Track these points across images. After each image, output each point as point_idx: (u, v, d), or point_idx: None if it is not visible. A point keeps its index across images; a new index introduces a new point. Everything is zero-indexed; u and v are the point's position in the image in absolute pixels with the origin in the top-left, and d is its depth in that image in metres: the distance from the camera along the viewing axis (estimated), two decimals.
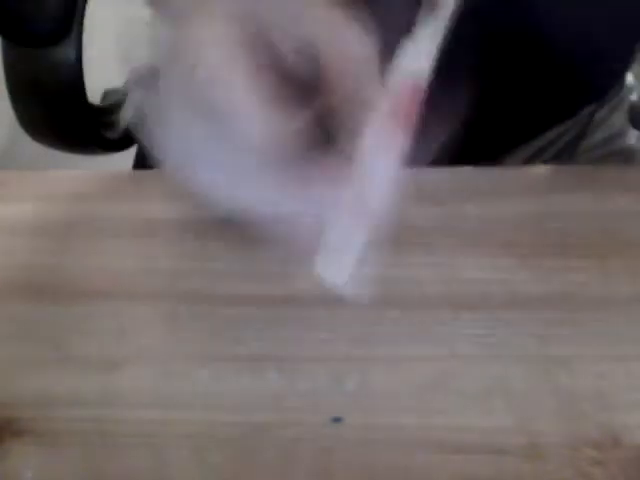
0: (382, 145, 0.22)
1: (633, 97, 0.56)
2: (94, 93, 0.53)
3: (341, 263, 0.22)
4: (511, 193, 0.34)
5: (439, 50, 0.22)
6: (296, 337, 0.29)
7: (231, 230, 0.32)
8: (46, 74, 0.50)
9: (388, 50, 0.23)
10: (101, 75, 0.56)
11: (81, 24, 0.50)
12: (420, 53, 0.22)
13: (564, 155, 0.54)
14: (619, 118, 0.54)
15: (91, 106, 0.52)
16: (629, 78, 0.57)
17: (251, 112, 0.21)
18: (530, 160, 0.54)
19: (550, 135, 0.54)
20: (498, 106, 0.46)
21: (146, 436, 0.26)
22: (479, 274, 0.31)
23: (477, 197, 0.34)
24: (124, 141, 0.57)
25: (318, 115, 0.23)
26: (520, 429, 0.26)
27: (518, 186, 0.35)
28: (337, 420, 0.27)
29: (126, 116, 0.56)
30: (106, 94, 0.58)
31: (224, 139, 0.22)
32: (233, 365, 0.28)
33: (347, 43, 0.22)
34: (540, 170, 0.36)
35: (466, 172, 0.35)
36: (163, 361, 0.29)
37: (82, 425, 0.27)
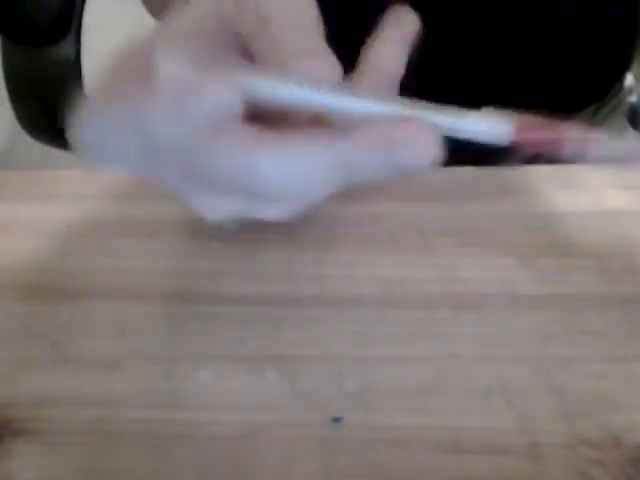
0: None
1: (632, 98, 0.56)
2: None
3: None
4: (511, 193, 0.34)
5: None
6: (296, 337, 0.29)
7: (231, 230, 0.32)
8: (45, 72, 0.50)
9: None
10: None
11: (80, 22, 0.50)
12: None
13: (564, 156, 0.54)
14: (618, 119, 0.54)
15: None
16: (628, 79, 0.57)
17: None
18: (530, 160, 0.54)
19: None
20: (498, 107, 0.46)
21: (146, 436, 0.26)
22: (479, 274, 0.31)
23: (477, 197, 0.34)
24: None
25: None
26: (520, 429, 0.26)
27: (518, 186, 0.35)
28: (337, 420, 0.27)
29: None
30: None
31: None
32: (233, 365, 0.28)
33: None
34: (540, 170, 0.36)
35: (466, 172, 0.35)
36: (163, 361, 0.29)
37: (82, 425, 0.27)
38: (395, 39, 0.23)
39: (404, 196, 0.34)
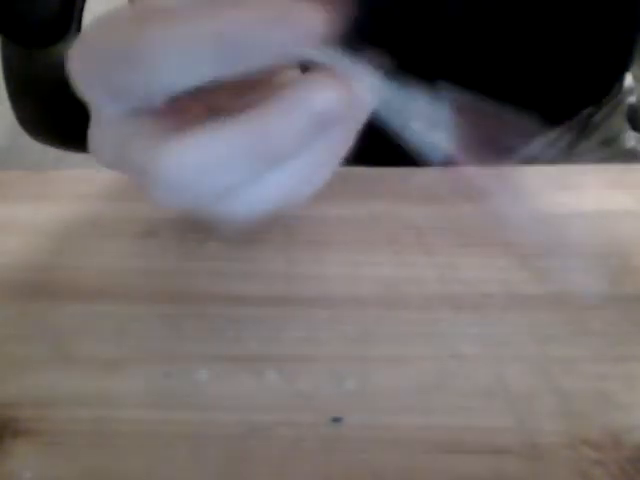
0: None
1: (632, 98, 0.56)
2: None
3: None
4: (511, 193, 0.34)
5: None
6: (296, 337, 0.29)
7: (231, 230, 0.32)
8: (45, 73, 0.50)
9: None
10: None
11: (80, 23, 0.50)
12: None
13: (563, 157, 0.54)
14: (618, 120, 0.54)
15: None
16: (628, 80, 0.57)
17: None
18: (529, 162, 0.54)
19: (549, 137, 0.54)
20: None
21: (146, 436, 0.26)
22: (479, 274, 0.31)
23: (477, 197, 0.34)
24: None
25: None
26: (520, 429, 0.26)
27: (518, 186, 0.35)
28: (337, 420, 0.27)
29: None
30: None
31: None
32: (233, 365, 0.28)
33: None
34: (540, 170, 0.36)
35: (466, 172, 0.35)
36: (163, 361, 0.29)
37: (82, 425, 0.27)
38: None
39: (403, 196, 0.34)
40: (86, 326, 0.30)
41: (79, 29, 0.50)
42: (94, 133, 0.23)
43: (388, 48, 0.22)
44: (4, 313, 0.30)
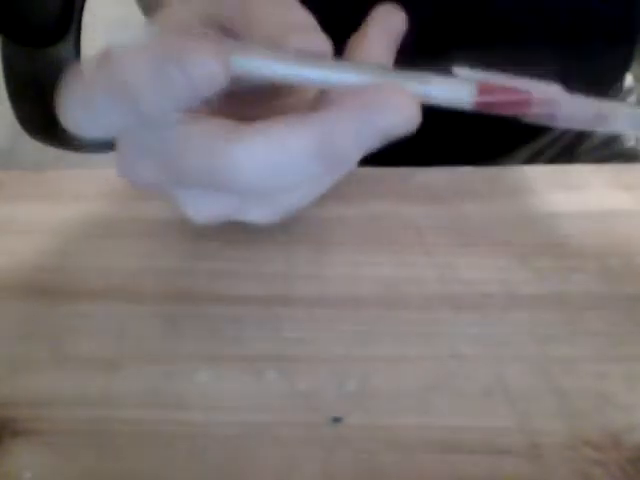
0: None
1: (632, 99, 0.56)
2: None
3: None
4: (511, 193, 0.34)
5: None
6: (296, 337, 0.29)
7: (231, 230, 0.32)
8: (45, 73, 0.50)
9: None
10: None
11: (80, 22, 0.50)
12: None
13: (563, 157, 0.54)
14: None
15: None
16: (628, 80, 0.57)
17: None
18: (529, 162, 0.54)
19: (548, 137, 0.54)
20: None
21: (146, 436, 0.26)
22: (479, 274, 0.31)
23: (477, 197, 0.34)
24: None
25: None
26: (520, 429, 0.26)
27: (518, 186, 0.35)
28: (337, 420, 0.27)
29: None
30: None
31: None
32: (233, 365, 0.28)
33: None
34: (540, 170, 0.36)
35: (466, 172, 0.35)
36: (163, 361, 0.29)
37: (82, 425, 0.27)
38: (381, 37, 0.23)
39: (404, 196, 0.34)
40: (86, 326, 0.30)
41: (79, 29, 0.50)
42: (126, 157, 0.23)
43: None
44: (4, 313, 0.30)
